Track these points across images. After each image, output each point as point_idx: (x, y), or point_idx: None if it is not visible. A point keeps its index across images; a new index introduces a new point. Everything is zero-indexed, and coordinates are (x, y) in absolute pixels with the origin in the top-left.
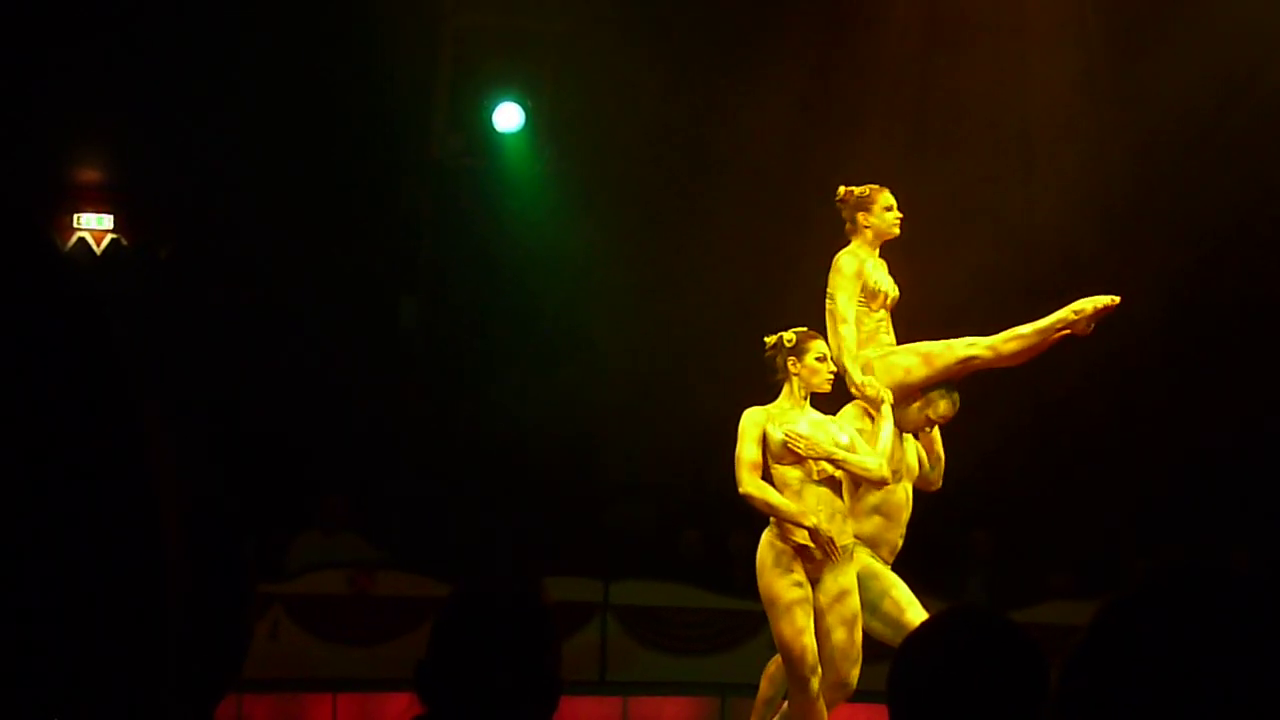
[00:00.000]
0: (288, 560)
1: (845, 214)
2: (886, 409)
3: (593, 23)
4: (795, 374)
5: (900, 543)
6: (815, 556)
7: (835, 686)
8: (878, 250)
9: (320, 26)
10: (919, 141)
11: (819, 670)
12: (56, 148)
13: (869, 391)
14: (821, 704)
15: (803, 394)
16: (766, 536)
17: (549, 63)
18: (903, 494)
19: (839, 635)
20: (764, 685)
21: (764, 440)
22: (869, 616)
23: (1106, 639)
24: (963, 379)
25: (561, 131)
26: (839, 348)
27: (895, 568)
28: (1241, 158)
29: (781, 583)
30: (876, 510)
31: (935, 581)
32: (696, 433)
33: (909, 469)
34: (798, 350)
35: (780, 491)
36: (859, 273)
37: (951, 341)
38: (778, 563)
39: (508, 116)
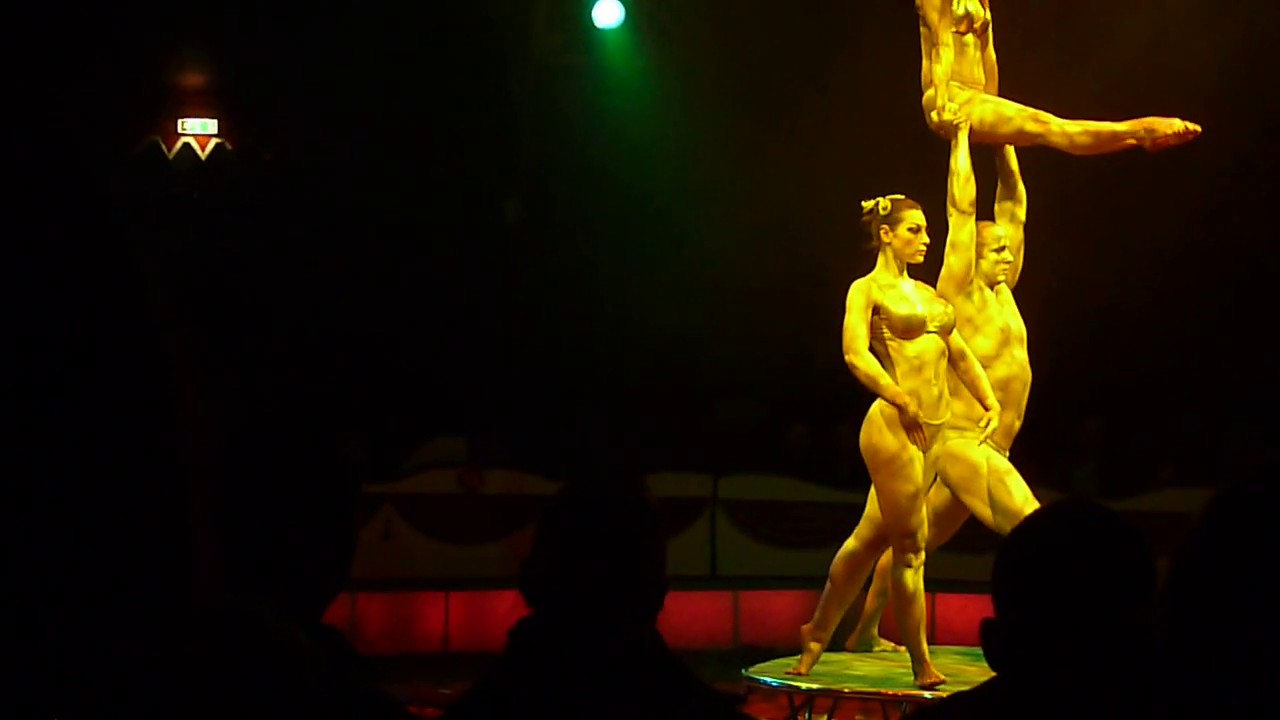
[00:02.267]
0: (399, 460)
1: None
2: (963, 136)
3: None
4: (888, 243)
5: (1018, 424)
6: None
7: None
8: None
9: None
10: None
11: (925, 529)
12: (161, 53)
13: (946, 115)
14: (920, 572)
15: (898, 264)
16: (879, 403)
17: None
18: (1018, 370)
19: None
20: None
21: (874, 310)
22: (979, 501)
23: (1220, 528)
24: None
25: (661, 26)
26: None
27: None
28: None
29: (895, 441)
30: (994, 388)
31: (1045, 470)
32: (801, 326)
33: (1019, 335)
34: (891, 219)
35: (891, 365)
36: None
37: (1029, 109)
38: (890, 424)
39: (607, 12)
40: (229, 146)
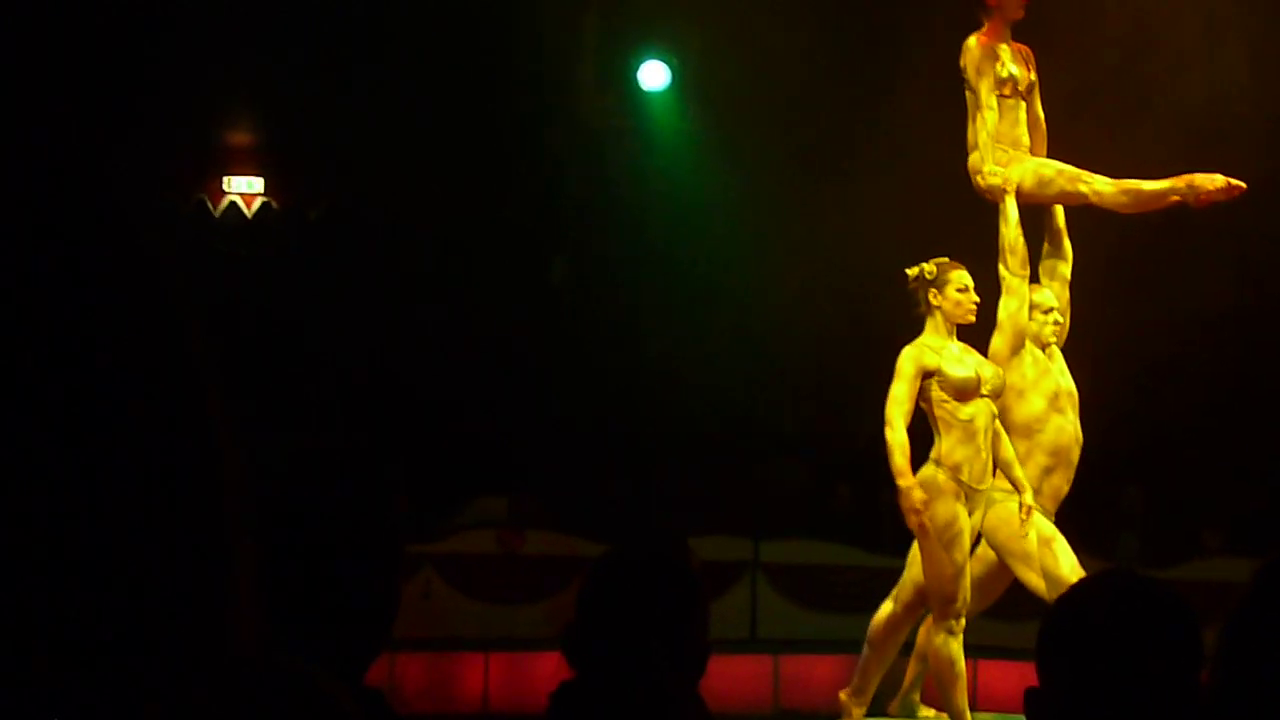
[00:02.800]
0: (440, 520)
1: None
2: (1010, 199)
3: None
4: (938, 306)
5: (1066, 488)
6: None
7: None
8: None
9: None
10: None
11: (968, 596)
12: (207, 111)
13: (993, 180)
14: (960, 639)
15: (947, 327)
16: (928, 468)
17: (695, 21)
18: (1070, 431)
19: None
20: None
21: (928, 375)
22: (1025, 567)
23: (1270, 597)
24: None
25: (706, 90)
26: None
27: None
28: None
29: (947, 509)
30: (1045, 451)
31: (1089, 537)
32: (845, 387)
33: (1070, 397)
34: (939, 282)
35: (946, 430)
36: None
37: (1066, 168)
38: (944, 492)
39: (654, 75)
40: (275, 205)
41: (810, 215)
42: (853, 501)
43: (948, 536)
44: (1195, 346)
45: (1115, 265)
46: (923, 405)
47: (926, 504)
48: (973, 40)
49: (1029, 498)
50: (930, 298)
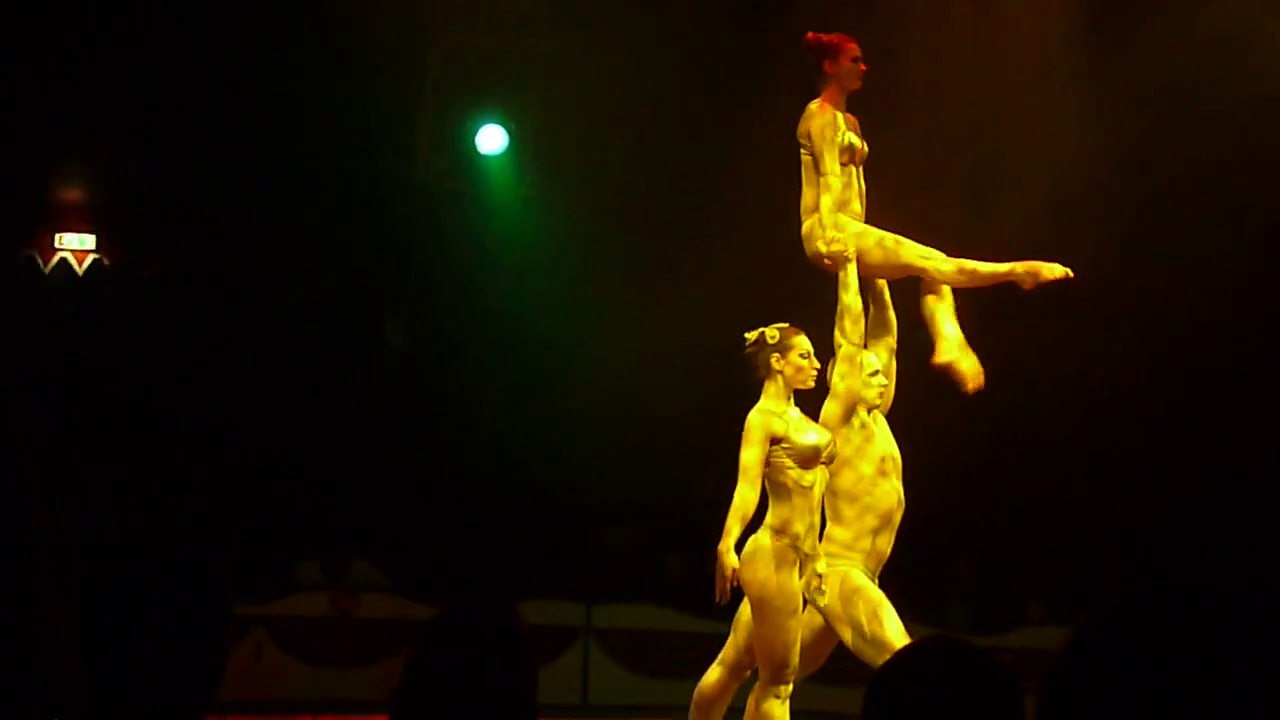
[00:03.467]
0: (272, 582)
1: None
2: (852, 269)
3: (576, 47)
4: (779, 371)
5: (889, 551)
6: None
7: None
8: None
9: (306, 49)
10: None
11: (796, 668)
12: (39, 167)
13: (836, 247)
14: (787, 705)
15: (787, 392)
16: (764, 535)
17: (532, 86)
18: (895, 495)
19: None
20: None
21: (774, 442)
22: (854, 634)
23: (1079, 663)
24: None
25: (544, 155)
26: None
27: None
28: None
29: (791, 580)
30: (874, 514)
31: (917, 608)
32: (678, 455)
33: (894, 461)
34: (782, 347)
35: (792, 497)
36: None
37: (908, 241)
38: (783, 560)
39: (491, 139)
40: (106, 262)
41: (646, 281)
42: (685, 567)
43: (791, 606)
44: (1027, 423)
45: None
46: (773, 474)
47: (736, 574)
48: (815, 106)
49: (822, 566)
50: (773, 362)
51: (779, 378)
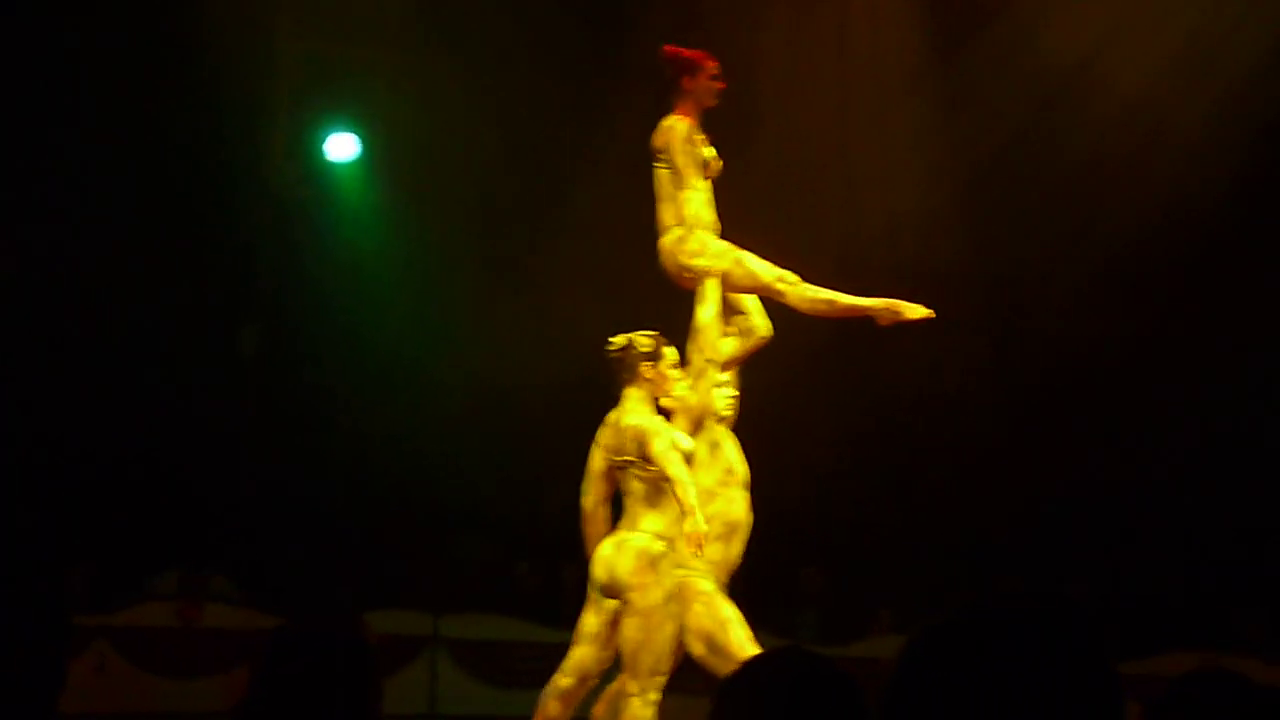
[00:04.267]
0: (116, 592)
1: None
2: (713, 284)
3: (428, 55)
4: (649, 379)
5: (738, 561)
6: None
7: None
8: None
9: (156, 53)
10: (760, 184)
11: (667, 675)
12: None
13: (698, 263)
14: (655, 710)
15: (652, 401)
16: (646, 539)
17: (383, 94)
18: (741, 505)
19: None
20: None
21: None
22: (703, 646)
23: (914, 670)
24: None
25: (395, 162)
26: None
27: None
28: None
29: (665, 585)
30: (715, 519)
31: (767, 617)
32: (529, 464)
33: (741, 473)
34: (653, 355)
35: (661, 503)
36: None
37: (776, 269)
38: (658, 564)
39: (342, 146)
40: None
41: (498, 288)
42: (534, 577)
43: (673, 609)
44: (876, 435)
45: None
46: (640, 479)
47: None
48: (671, 120)
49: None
50: (642, 369)
51: (645, 385)
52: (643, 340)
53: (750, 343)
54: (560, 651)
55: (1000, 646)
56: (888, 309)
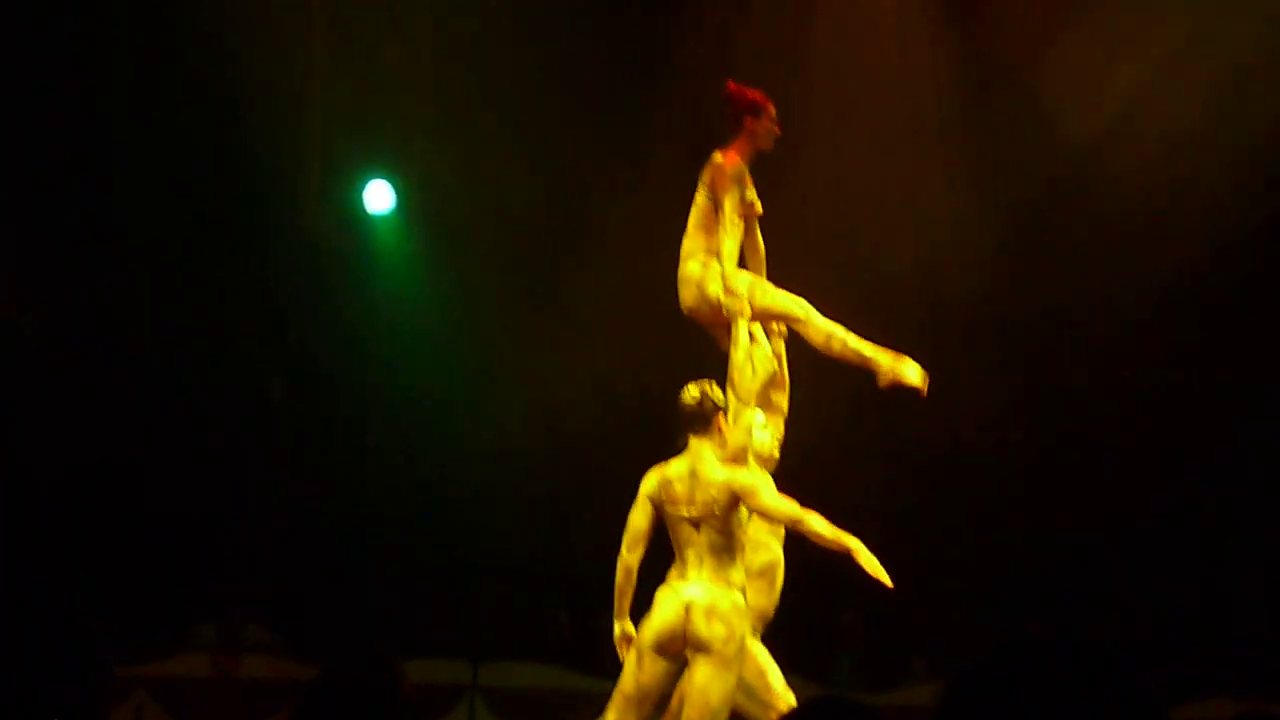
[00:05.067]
0: (153, 642)
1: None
2: (744, 324)
3: (465, 106)
4: (720, 431)
5: (773, 612)
6: None
7: None
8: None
9: (193, 103)
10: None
11: None
12: None
13: (732, 303)
14: None
15: (721, 455)
16: (735, 594)
17: (420, 144)
18: (780, 552)
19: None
20: None
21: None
22: (742, 694)
23: (956, 711)
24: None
25: (431, 213)
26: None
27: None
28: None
29: (747, 645)
30: (760, 573)
31: (804, 660)
32: (565, 513)
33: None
34: (727, 409)
35: (738, 554)
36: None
37: (797, 299)
38: (745, 618)
39: (378, 197)
40: None
41: (534, 341)
42: (571, 625)
43: (736, 671)
44: (911, 480)
45: (843, 405)
46: (721, 532)
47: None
48: (730, 159)
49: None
50: (718, 422)
51: (717, 437)
52: (718, 393)
53: (762, 376)
54: (598, 700)
55: (1041, 693)
56: (891, 369)
